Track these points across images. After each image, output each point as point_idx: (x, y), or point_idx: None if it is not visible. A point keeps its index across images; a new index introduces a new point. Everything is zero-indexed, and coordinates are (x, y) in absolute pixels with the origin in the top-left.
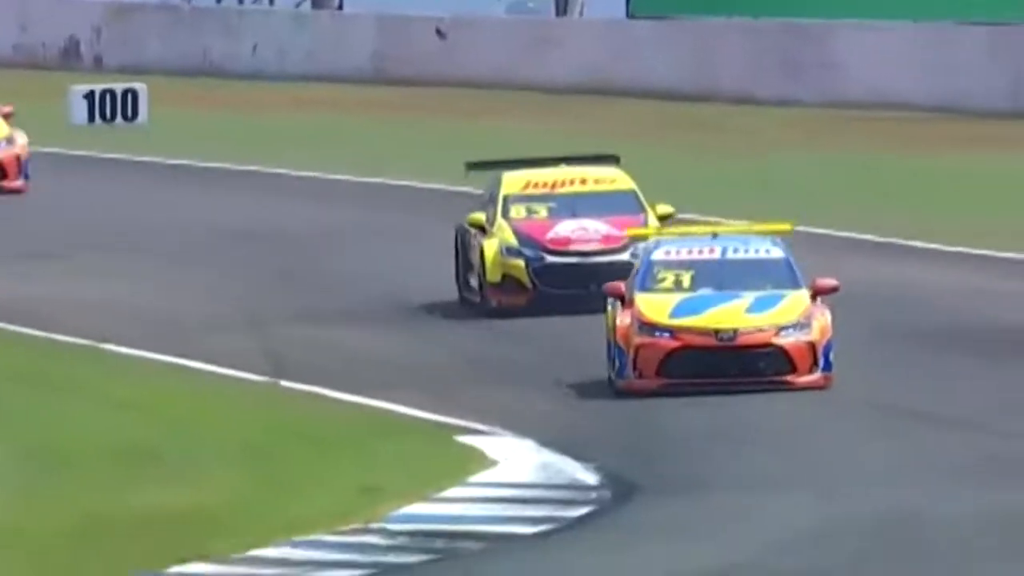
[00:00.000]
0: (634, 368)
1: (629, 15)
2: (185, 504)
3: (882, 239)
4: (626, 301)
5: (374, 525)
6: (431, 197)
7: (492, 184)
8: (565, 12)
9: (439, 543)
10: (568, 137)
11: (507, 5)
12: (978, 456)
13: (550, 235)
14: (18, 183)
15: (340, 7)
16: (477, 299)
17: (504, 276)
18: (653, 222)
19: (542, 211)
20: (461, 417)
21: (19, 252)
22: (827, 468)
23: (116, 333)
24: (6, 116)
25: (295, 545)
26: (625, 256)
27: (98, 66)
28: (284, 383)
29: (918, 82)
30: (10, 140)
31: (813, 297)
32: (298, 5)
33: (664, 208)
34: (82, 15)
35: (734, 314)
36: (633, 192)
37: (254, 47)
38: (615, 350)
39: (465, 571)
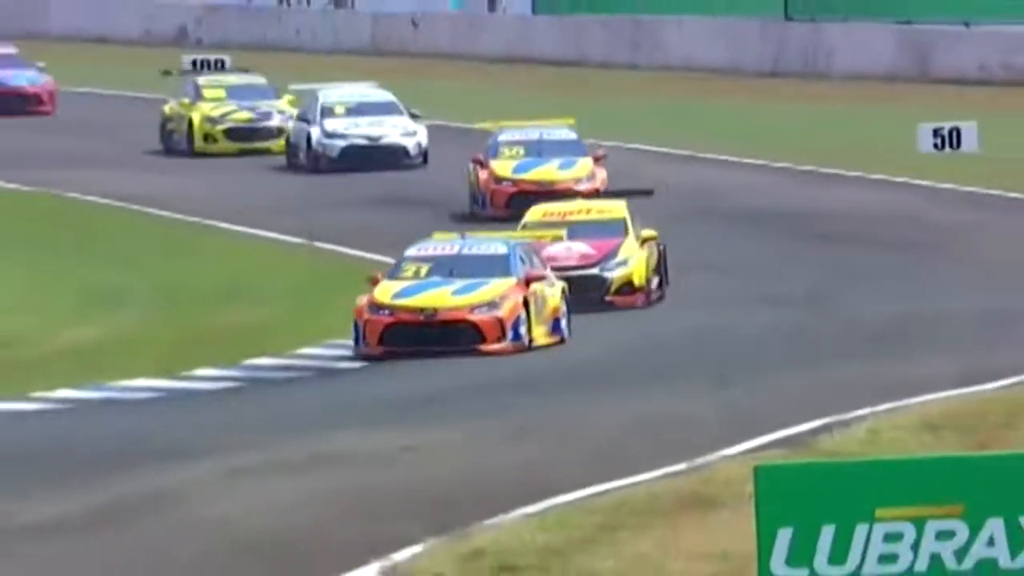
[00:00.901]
0: (364, 339)
1: (533, 12)
2: (253, 321)
3: (693, 153)
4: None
5: None
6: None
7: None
8: (493, 9)
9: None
10: (495, 92)
11: (455, 4)
12: (759, 294)
13: (543, 254)
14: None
15: (352, 6)
16: None
17: None
18: (633, 244)
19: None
20: None
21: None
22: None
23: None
24: (597, 159)
25: (325, 347)
26: (595, 271)
27: (199, 44)
28: (317, 244)
29: (714, 55)
30: (591, 176)
31: (527, 283)
32: (326, 5)
33: (648, 232)
34: (188, 11)
35: (441, 296)
36: (623, 220)
37: (296, 31)
38: (354, 324)
39: None
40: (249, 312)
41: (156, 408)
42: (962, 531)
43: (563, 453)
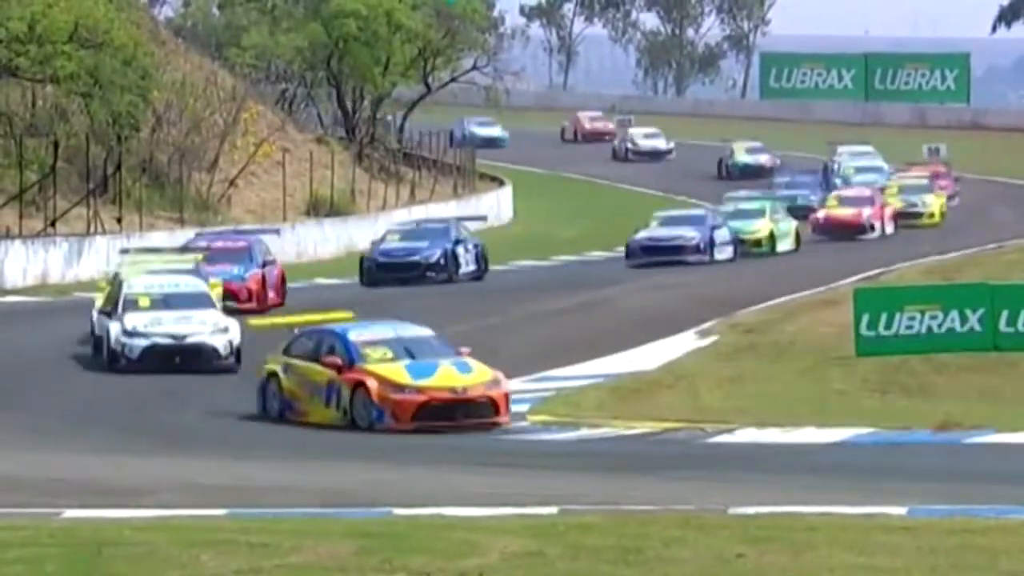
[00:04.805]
0: None
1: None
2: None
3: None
4: None
5: None
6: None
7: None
8: (743, 95)
9: None
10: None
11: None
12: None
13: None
14: None
15: (613, 108)
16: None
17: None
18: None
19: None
20: None
21: None
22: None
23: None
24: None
25: None
26: None
27: (617, 111)
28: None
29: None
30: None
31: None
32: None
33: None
34: (613, 99)
35: None
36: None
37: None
38: None
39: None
40: (634, 223)
41: (607, 263)
42: (940, 316)
43: (767, 281)
